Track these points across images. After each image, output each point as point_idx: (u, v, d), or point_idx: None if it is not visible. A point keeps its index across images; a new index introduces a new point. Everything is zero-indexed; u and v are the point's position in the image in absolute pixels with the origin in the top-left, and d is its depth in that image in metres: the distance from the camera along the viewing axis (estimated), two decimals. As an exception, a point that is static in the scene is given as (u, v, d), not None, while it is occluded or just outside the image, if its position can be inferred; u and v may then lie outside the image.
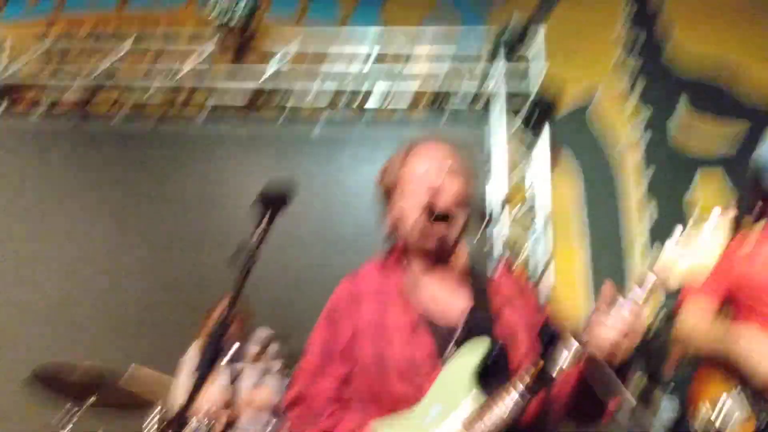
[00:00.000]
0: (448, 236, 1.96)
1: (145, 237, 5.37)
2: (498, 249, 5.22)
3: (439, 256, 2.00)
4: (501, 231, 5.33)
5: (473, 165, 2.02)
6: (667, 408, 3.93)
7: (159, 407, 3.74)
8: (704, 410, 2.57)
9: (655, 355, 4.21)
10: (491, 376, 1.79)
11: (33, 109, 5.63)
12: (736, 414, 2.50)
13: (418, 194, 1.96)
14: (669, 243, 1.75)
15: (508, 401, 1.70)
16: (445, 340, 1.86)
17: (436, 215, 1.94)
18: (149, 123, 5.67)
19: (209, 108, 5.66)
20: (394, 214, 2.04)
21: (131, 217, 5.42)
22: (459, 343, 1.84)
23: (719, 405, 2.54)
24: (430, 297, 1.95)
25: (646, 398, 4.00)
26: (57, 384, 3.78)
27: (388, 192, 2.06)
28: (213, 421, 3.51)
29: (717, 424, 2.52)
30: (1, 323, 5.13)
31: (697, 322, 2.66)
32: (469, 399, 1.76)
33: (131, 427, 4.02)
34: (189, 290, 4.95)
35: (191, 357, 4.27)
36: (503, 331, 1.88)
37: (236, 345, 1.52)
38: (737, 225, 1.83)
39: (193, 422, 3.48)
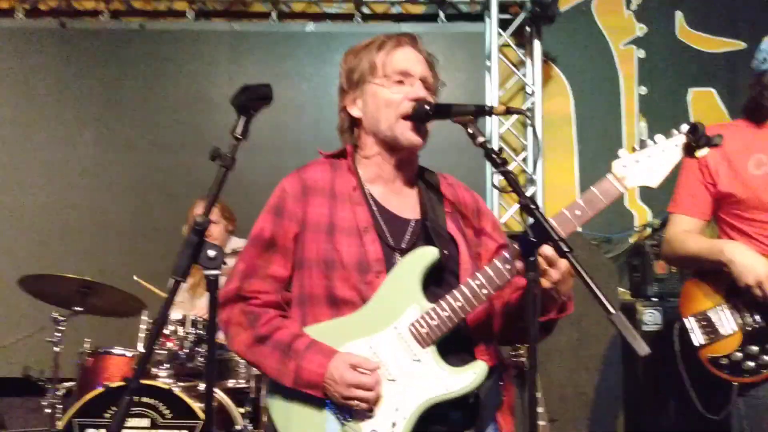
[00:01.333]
0: (423, 137, 1.88)
1: (133, 139, 5.20)
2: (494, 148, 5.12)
3: (402, 158, 1.91)
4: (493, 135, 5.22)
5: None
6: (649, 321, 3.98)
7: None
8: (689, 324, 2.60)
9: (638, 271, 4.27)
10: (436, 284, 1.78)
11: (15, 8, 5.35)
12: (721, 328, 2.54)
13: (402, 88, 1.86)
14: (623, 152, 1.74)
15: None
16: (392, 246, 1.81)
17: (420, 113, 1.82)
18: (136, 20, 5.41)
19: (199, 3, 5.38)
20: (365, 106, 1.91)
21: (119, 119, 5.23)
22: (406, 251, 1.80)
23: (703, 320, 2.58)
24: (381, 201, 1.89)
25: (629, 312, 4.07)
26: (42, 294, 3.74)
27: (358, 79, 1.91)
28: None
29: (702, 340, 2.57)
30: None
31: (683, 239, 2.68)
32: (414, 306, 1.74)
33: (117, 333, 4.04)
34: (179, 193, 4.83)
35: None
36: (451, 241, 1.86)
37: (211, 252, 1.38)
38: (690, 151, 1.74)
39: (179, 330, 3.47)
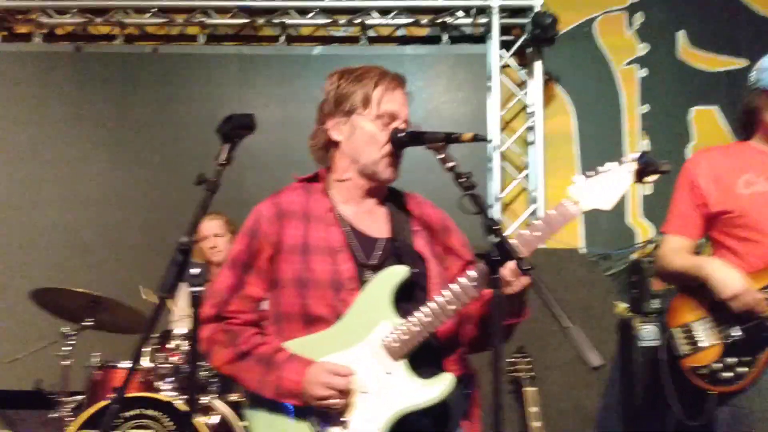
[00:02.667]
0: (398, 171, 2.00)
1: (146, 160, 5.35)
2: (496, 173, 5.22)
3: (375, 186, 2.01)
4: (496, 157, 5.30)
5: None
6: (646, 336, 4.05)
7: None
8: (674, 335, 2.73)
9: (637, 287, 4.35)
10: (406, 300, 1.88)
11: (33, 33, 5.55)
12: (701, 340, 2.66)
13: (388, 129, 1.96)
14: (578, 177, 1.85)
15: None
16: (364, 264, 1.92)
17: (395, 140, 1.93)
18: (150, 44, 5.60)
19: (210, 28, 5.56)
20: (350, 135, 2.00)
21: (132, 140, 5.39)
22: (377, 268, 1.90)
23: (687, 331, 2.71)
24: (353, 221, 1.98)
25: (627, 327, 4.14)
26: (53, 307, 3.86)
27: (348, 109, 1.99)
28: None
29: (685, 350, 2.69)
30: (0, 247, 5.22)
31: (671, 258, 2.80)
32: (385, 321, 1.84)
33: (126, 348, 4.14)
34: (189, 211, 4.91)
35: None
36: (420, 258, 1.96)
37: (197, 270, 1.49)
38: (641, 177, 1.85)
39: (182, 345, 3.58)
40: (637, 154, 1.85)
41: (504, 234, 1.61)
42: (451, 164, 1.76)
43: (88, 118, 5.39)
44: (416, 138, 1.86)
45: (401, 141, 1.91)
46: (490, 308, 1.89)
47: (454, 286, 1.82)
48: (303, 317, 1.89)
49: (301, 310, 1.89)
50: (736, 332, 2.61)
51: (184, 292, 4.29)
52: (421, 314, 1.81)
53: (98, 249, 5.21)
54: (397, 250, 1.94)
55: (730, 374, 2.59)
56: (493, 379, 1.52)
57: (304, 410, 1.83)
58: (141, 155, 5.36)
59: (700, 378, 2.66)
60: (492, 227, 1.61)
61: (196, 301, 1.48)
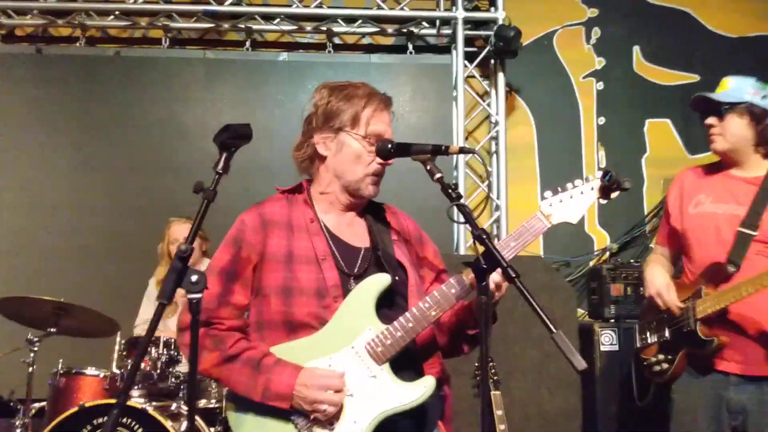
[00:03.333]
0: (379, 185, 2.07)
1: (108, 164, 5.29)
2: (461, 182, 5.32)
3: (357, 201, 2.08)
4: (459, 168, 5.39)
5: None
6: (606, 342, 4.23)
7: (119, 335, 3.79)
8: (637, 331, 3.12)
9: (596, 293, 4.53)
10: (388, 307, 1.96)
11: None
12: (649, 337, 3.02)
13: (373, 143, 2.01)
14: (548, 193, 2.01)
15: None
16: (347, 273, 1.98)
17: (383, 151, 1.99)
18: (112, 47, 5.54)
19: (174, 31, 5.53)
20: (337, 151, 2.05)
21: (94, 144, 5.32)
22: (359, 278, 1.97)
23: (642, 328, 3.08)
24: (334, 231, 2.05)
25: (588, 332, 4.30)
26: (17, 316, 3.80)
27: (337, 126, 2.04)
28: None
29: (638, 343, 3.08)
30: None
31: (647, 262, 3.12)
32: (369, 327, 1.91)
33: (91, 354, 4.10)
34: (152, 215, 4.92)
35: (152, 286, 4.33)
36: (400, 267, 2.04)
37: (194, 277, 1.52)
38: (605, 193, 2.03)
39: (152, 352, 3.56)
40: (602, 173, 2.00)
41: (491, 243, 1.67)
42: (438, 175, 1.83)
43: (49, 120, 5.31)
44: (404, 149, 1.93)
45: (389, 152, 1.96)
46: (462, 312, 2.02)
47: (435, 294, 1.91)
48: (286, 324, 1.94)
49: (284, 317, 1.94)
50: (666, 334, 2.91)
51: (150, 296, 4.27)
52: (404, 320, 1.89)
53: (58, 254, 5.12)
54: (378, 259, 2.01)
55: (658, 368, 2.92)
56: (480, 379, 1.58)
57: (290, 412, 1.86)
58: (102, 159, 5.30)
59: (645, 368, 3.00)
60: (480, 236, 1.68)
61: (194, 308, 1.50)
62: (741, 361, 2.68)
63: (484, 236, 1.68)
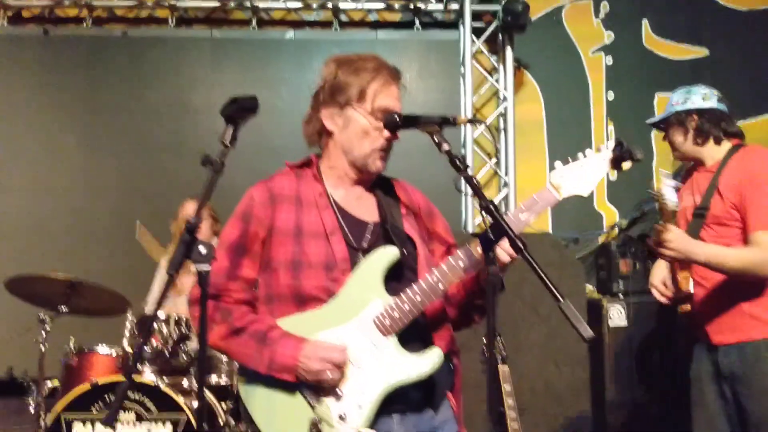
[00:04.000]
0: (387, 159, 2.05)
1: (115, 144, 5.30)
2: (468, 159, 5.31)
3: (365, 176, 2.07)
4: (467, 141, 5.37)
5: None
6: (615, 317, 4.22)
7: (130, 313, 3.81)
8: None
9: (605, 269, 4.52)
10: (396, 280, 1.95)
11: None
12: None
13: (381, 118, 1.99)
14: (558, 164, 1.95)
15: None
16: (355, 246, 1.98)
17: (390, 122, 1.97)
18: (119, 27, 5.53)
19: (180, 11, 5.51)
20: (344, 127, 2.03)
21: (101, 124, 5.33)
22: (368, 252, 1.97)
23: None
24: (343, 206, 2.04)
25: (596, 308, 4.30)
26: (29, 296, 3.82)
27: (344, 101, 2.01)
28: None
29: None
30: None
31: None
32: (377, 299, 1.91)
33: (102, 333, 4.13)
34: (160, 195, 4.94)
35: (163, 267, 4.35)
36: (409, 241, 2.04)
37: (203, 248, 1.53)
38: (617, 164, 1.96)
39: (163, 329, 3.59)
40: (614, 143, 1.94)
41: (500, 214, 1.67)
42: (446, 147, 1.82)
43: (56, 102, 5.32)
44: (411, 121, 1.91)
45: (397, 124, 1.95)
46: (470, 284, 2.01)
47: (443, 266, 1.90)
48: (295, 297, 1.94)
49: (293, 291, 1.94)
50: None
51: (163, 275, 4.29)
52: (411, 293, 1.89)
53: (66, 235, 5.15)
54: (387, 233, 2.01)
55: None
56: (487, 350, 1.59)
57: (298, 384, 1.88)
58: (110, 140, 5.31)
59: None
60: (488, 208, 1.68)
61: (202, 279, 1.51)
62: (719, 331, 2.88)
63: (492, 207, 1.68)
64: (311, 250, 1.95)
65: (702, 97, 2.99)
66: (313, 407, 1.87)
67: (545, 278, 1.56)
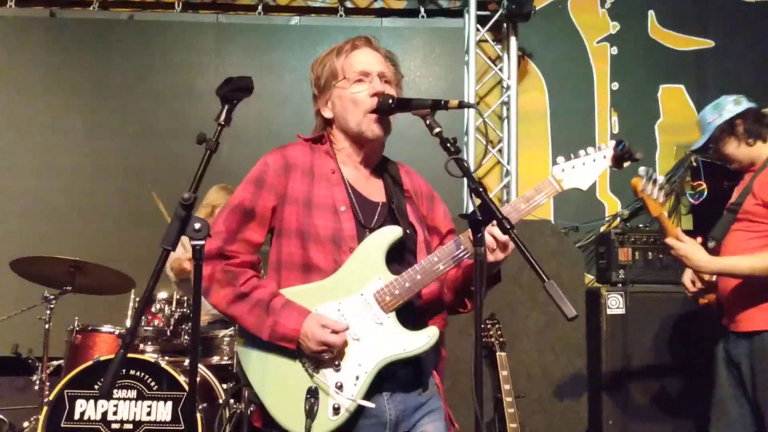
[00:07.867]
0: (386, 129, 2.10)
1: (121, 127, 5.34)
2: (471, 147, 5.33)
3: (369, 150, 2.13)
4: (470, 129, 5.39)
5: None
6: (613, 305, 4.25)
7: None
8: None
9: (605, 258, 4.53)
10: (397, 261, 2.03)
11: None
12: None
13: (362, 86, 2.07)
14: (560, 159, 2.04)
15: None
16: (364, 225, 2.05)
17: (383, 106, 2.03)
18: (125, 11, 5.56)
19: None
20: (334, 107, 2.13)
21: (107, 107, 5.37)
22: (374, 229, 2.04)
23: None
24: (353, 185, 2.10)
25: (595, 296, 4.32)
26: (33, 275, 3.89)
27: (325, 85, 2.13)
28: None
29: None
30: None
31: None
32: (379, 276, 1.97)
33: (106, 312, 4.19)
34: (165, 178, 4.98)
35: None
36: (411, 223, 2.11)
37: (197, 224, 1.57)
38: (617, 162, 2.07)
39: (165, 309, 3.65)
40: (615, 142, 2.03)
41: (488, 196, 1.71)
42: (437, 130, 1.86)
43: (63, 85, 5.36)
44: (404, 105, 1.96)
45: (389, 108, 2.00)
46: (469, 270, 2.06)
47: (444, 249, 1.97)
48: (302, 267, 2.00)
49: (301, 260, 2.00)
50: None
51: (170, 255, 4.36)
52: (412, 272, 1.96)
53: (73, 217, 5.21)
54: (392, 214, 2.08)
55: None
56: (475, 333, 1.62)
57: (299, 351, 1.93)
58: (115, 122, 5.35)
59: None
60: (476, 189, 1.71)
61: (197, 253, 1.55)
62: (734, 320, 3.04)
63: (481, 189, 1.71)
64: (320, 223, 2.00)
65: (734, 103, 3.10)
66: (311, 375, 1.92)
67: (531, 258, 1.60)
